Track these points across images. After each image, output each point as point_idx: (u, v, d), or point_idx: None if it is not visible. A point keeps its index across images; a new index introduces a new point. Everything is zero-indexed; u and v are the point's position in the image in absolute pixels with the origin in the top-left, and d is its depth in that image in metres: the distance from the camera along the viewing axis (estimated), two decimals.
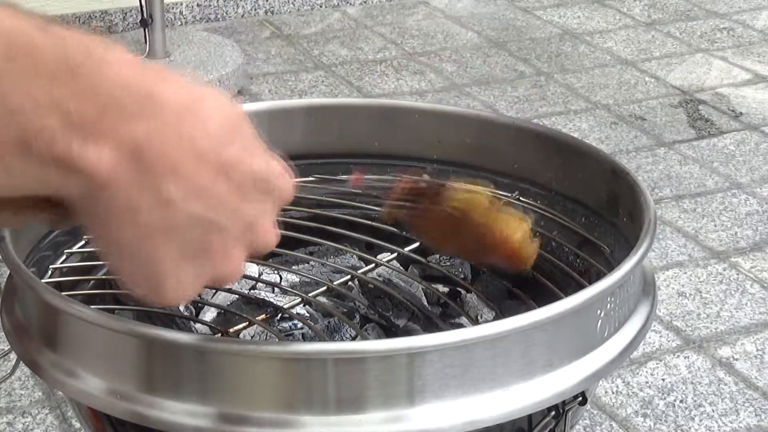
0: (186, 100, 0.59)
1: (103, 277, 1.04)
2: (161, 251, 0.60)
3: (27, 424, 1.71)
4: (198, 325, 0.99)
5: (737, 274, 2.13)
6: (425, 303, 1.01)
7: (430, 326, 0.99)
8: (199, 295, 1.04)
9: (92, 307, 0.88)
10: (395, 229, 1.07)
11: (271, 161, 0.63)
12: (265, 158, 0.63)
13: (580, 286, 0.93)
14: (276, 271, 1.05)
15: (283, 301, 0.97)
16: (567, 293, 0.92)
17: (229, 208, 0.61)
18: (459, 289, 1.06)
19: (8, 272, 0.90)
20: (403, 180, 0.91)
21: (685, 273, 2.14)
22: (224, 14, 3.33)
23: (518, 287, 0.99)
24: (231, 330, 0.91)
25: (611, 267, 0.92)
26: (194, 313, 1.03)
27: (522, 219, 0.91)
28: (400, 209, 0.94)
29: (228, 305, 1.01)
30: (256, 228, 0.63)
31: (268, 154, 0.63)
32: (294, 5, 3.38)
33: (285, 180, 0.64)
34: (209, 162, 0.59)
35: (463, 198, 0.89)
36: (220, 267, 0.62)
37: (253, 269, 1.06)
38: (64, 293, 0.88)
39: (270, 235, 0.65)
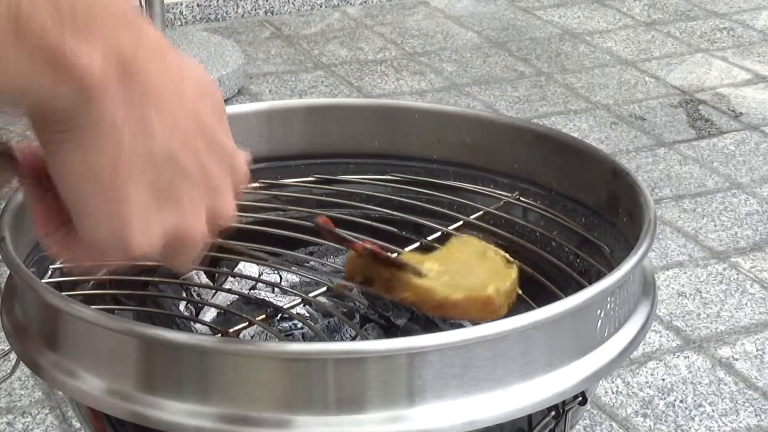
0: (167, 45, 0.58)
1: (103, 277, 1.04)
2: (132, 188, 0.57)
3: (27, 424, 1.71)
4: (198, 325, 0.99)
5: (737, 274, 2.13)
6: None
7: (430, 326, 0.99)
8: (199, 296, 1.04)
9: (92, 307, 0.88)
10: (395, 230, 1.07)
11: (229, 135, 0.63)
12: (230, 137, 0.63)
13: (580, 286, 0.93)
14: (276, 271, 1.05)
15: (283, 301, 0.97)
16: (567, 293, 0.92)
17: (201, 162, 0.60)
18: None
19: (8, 272, 0.91)
20: (353, 255, 0.91)
21: (685, 273, 2.14)
22: (224, 14, 3.33)
23: (518, 287, 0.99)
24: (231, 330, 0.91)
25: (611, 267, 0.92)
26: (194, 313, 1.03)
27: (496, 279, 0.90)
28: (350, 289, 0.95)
29: (228, 305, 1.01)
30: (219, 193, 0.62)
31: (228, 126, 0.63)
32: (294, 5, 3.38)
33: (243, 164, 0.64)
34: (188, 108, 0.59)
35: (415, 289, 0.89)
36: (185, 220, 0.60)
37: (253, 269, 1.06)
38: (64, 293, 0.88)
39: (230, 207, 0.63)
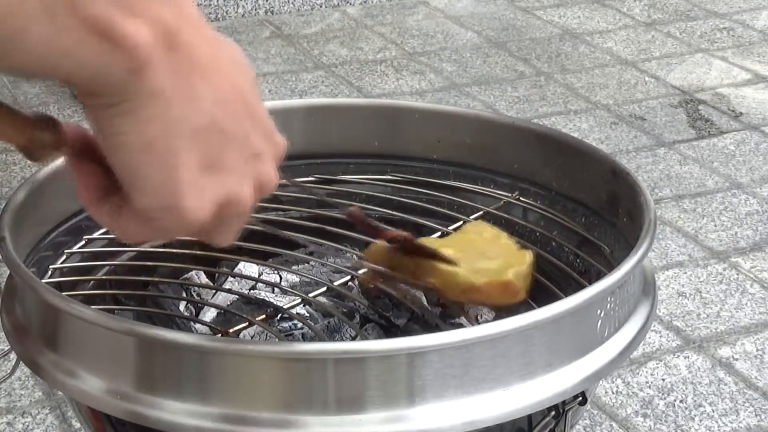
0: (203, 19, 0.60)
1: (103, 277, 1.04)
2: (184, 156, 0.58)
3: (27, 424, 1.71)
4: (198, 325, 0.99)
5: (737, 274, 2.13)
6: (425, 303, 1.01)
7: (429, 326, 0.99)
8: (199, 296, 1.04)
9: (92, 307, 0.88)
10: (395, 230, 1.07)
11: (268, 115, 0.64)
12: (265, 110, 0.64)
13: (580, 286, 0.93)
14: (276, 271, 1.05)
15: (283, 301, 0.97)
16: (567, 293, 0.92)
17: (245, 130, 0.61)
18: None
19: (8, 272, 0.91)
20: (377, 246, 0.92)
21: (685, 273, 2.14)
22: (224, 14, 3.33)
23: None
24: (231, 330, 0.91)
25: (611, 267, 0.92)
26: (194, 313, 1.03)
27: (515, 262, 0.93)
28: (376, 279, 0.95)
29: (228, 305, 1.01)
30: (263, 162, 0.63)
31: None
32: (294, 5, 3.38)
33: (280, 136, 0.65)
34: (230, 79, 0.60)
35: (440, 275, 0.90)
36: (235, 186, 0.61)
37: (253, 269, 1.06)
38: (64, 293, 0.88)
39: (274, 176, 0.64)
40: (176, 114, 0.57)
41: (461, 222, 1.07)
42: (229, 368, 0.76)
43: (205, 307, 1.02)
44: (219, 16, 3.32)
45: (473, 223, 1.03)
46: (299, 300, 0.96)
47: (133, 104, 0.56)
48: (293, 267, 1.05)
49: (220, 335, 0.91)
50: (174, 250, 1.05)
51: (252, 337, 0.95)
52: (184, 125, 0.58)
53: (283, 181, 0.71)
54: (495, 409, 0.78)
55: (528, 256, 0.93)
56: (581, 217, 1.07)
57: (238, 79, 0.61)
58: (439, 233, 1.04)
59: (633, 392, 1.81)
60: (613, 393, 1.81)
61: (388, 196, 1.13)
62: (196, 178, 0.59)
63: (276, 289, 1.02)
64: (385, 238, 0.92)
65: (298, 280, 1.04)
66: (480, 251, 0.94)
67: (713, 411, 1.77)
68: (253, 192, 0.63)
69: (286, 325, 0.97)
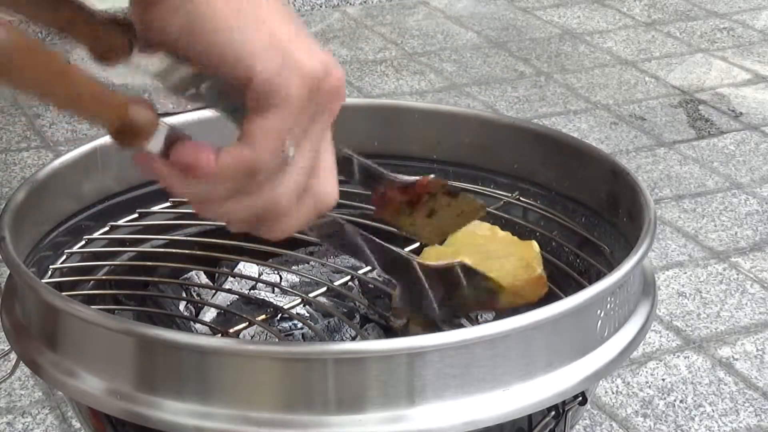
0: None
1: (103, 277, 1.04)
2: (275, 17, 0.61)
3: (27, 424, 1.71)
4: (198, 325, 0.99)
5: (737, 274, 2.13)
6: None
7: (429, 327, 0.99)
8: (199, 296, 1.04)
9: (92, 307, 0.88)
10: (395, 230, 1.06)
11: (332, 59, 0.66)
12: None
13: (580, 286, 0.93)
14: (276, 271, 1.05)
15: (283, 302, 0.97)
16: (567, 293, 0.92)
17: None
18: None
19: (8, 272, 0.91)
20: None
21: (685, 273, 2.14)
22: None
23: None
24: (231, 330, 0.91)
25: (611, 267, 0.92)
26: (194, 313, 1.03)
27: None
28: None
29: (228, 305, 1.01)
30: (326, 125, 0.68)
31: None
32: (294, 5, 3.38)
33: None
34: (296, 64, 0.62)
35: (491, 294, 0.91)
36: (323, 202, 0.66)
37: (253, 269, 1.06)
38: (64, 293, 0.88)
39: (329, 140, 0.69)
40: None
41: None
42: (229, 368, 0.76)
43: (205, 307, 1.02)
44: None
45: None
46: (299, 300, 0.96)
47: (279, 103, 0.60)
48: (293, 267, 1.05)
49: (220, 335, 0.91)
50: (174, 250, 1.05)
51: (252, 337, 0.95)
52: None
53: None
54: (495, 409, 0.78)
55: (535, 245, 0.96)
56: (581, 217, 1.07)
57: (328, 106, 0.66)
58: None
59: (633, 392, 1.81)
60: (613, 393, 1.81)
61: None
62: (294, 36, 0.62)
63: (276, 289, 1.02)
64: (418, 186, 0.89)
65: (298, 280, 1.04)
66: (486, 250, 0.95)
67: (713, 411, 1.77)
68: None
69: (286, 325, 0.97)
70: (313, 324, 0.96)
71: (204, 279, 1.07)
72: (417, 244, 1.03)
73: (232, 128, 0.66)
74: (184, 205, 1.11)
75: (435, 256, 0.96)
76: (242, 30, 0.60)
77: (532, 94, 2.87)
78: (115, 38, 0.62)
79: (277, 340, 0.94)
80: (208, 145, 0.63)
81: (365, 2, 3.45)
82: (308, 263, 1.06)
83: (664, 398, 1.80)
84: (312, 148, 0.65)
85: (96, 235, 1.06)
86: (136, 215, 1.09)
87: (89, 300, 0.99)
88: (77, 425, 1.70)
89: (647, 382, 1.84)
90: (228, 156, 0.62)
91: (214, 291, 1.04)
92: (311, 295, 0.96)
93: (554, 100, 2.83)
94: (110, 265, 1.04)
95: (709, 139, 2.66)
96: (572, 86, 2.91)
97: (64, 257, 1.02)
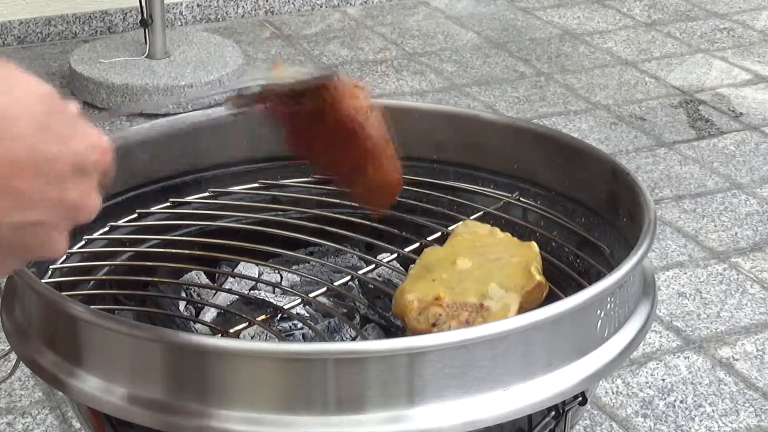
0: None
1: (103, 277, 1.04)
2: None
3: (27, 424, 1.71)
4: (198, 325, 0.99)
5: (737, 275, 2.13)
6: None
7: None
8: (199, 296, 1.04)
9: (92, 307, 0.88)
10: (395, 230, 1.07)
11: (86, 136, 0.62)
12: (81, 136, 0.61)
13: (580, 287, 0.93)
14: (276, 271, 1.05)
15: (283, 302, 0.97)
16: (567, 293, 0.92)
17: (51, 203, 0.60)
18: None
19: None
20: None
21: (685, 273, 2.14)
22: (224, 14, 3.33)
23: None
24: (231, 330, 0.91)
25: (611, 267, 0.92)
26: (194, 313, 1.03)
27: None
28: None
29: (228, 305, 1.01)
30: (78, 209, 0.63)
31: (81, 125, 0.62)
32: (294, 5, 3.38)
33: (103, 151, 0.63)
34: (26, 167, 0.58)
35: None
36: (40, 254, 0.62)
37: (253, 269, 1.06)
38: (64, 293, 0.88)
39: (92, 209, 0.64)
40: None
41: (461, 222, 1.07)
42: (229, 368, 0.76)
43: (205, 307, 1.02)
44: (219, 16, 3.32)
45: (463, 224, 1.03)
46: (299, 300, 0.96)
47: None
48: (293, 267, 1.05)
49: (220, 335, 0.91)
50: (174, 250, 1.05)
51: (252, 337, 0.95)
52: None
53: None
54: (495, 409, 0.78)
55: (534, 246, 0.96)
56: (581, 217, 1.07)
57: (38, 151, 0.59)
58: (439, 233, 1.04)
59: (633, 392, 1.81)
60: (613, 393, 1.81)
61: None
62: None
63: (276, 290, 1.02)
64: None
65: (298, 280, 1.04)
66: (485, 252, 0.95)
67: (713, 411, 1.77)
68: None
69: (286, 325, 0.97)
70: (313, 324, 0.96)
71: (204, 279, 1.07)
72: (417, 245, 1.03)
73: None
74: (183, 205, 1.11)
75: (435, 257, 0.96)
76: None
77: (532, 94, 2.87)
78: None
79: (277, 340, 0.94)
80: None
81: (365, 2, 3.45)
82: (308, 263, 1.06)
83: (664, 398, 1.80)
84: None
85: (96, 235, 1.06)
86: (135, 215, 1.09)
87: (89, 300, 0.99)
88: (77, 425, 1.70)
89: (647, 383, 1.84)
90: None
91: (214, 291, 1.04)
92: (311, 295, 0.96)
93: (554, 101, 2.83)
94: (110, 265, 1.04)
95: (709, 139, 2.66)
96: (572, 86, 2.91)
97: (64, 257, 1.02)
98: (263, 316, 0.94)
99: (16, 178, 0.58)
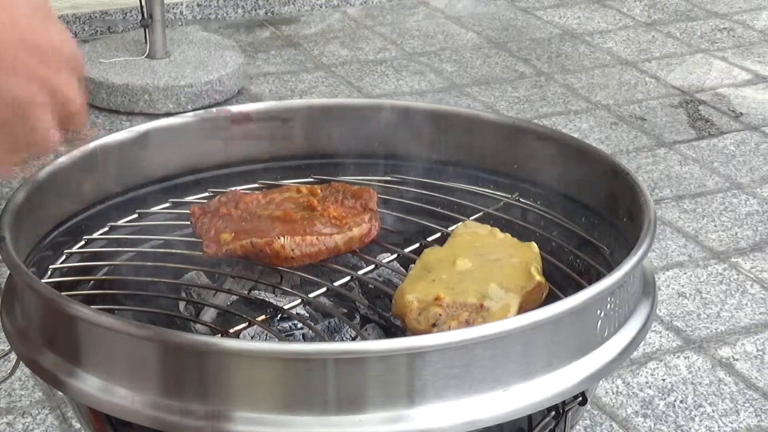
0: None
1: (103, 277, 1.04)
2: None
3: (27, 424, 1.71)
4: (198, 326, 0.99)
5: (737, 275, 2.13)
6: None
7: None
8: (199, 296, 1.04)
9: (92, 307, 0.88)
10: (395, 230, 1.07)
11: (63, 31, 0.70)
12: (59, 30, 0.70)
13: (580, 287, 0.93)
14: (276, 272, 1.05)
15: (283, 302, 0.97)
16: (567, 293, 0.92)
17: (41, 82, 0.68)
18: None
19: (8, 272, 0.91)
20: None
21: (685, 273, 2.14)
22: (224, 14, 3.33)
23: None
24: (231, 330, 0.91)
25: (611, 267, 0.92)
26: (194, 313, 1.03)
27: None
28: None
29: (228, 306, 1.01)
30: (65, 94, 0.70)
31: (56, 21, 0.70)
32: (294, 5, 3.38)
33: (75, 46, 0.71)
34: (23, 43, 0.66)
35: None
36: (31, 139, 0.69)
37: (253, 270, 1.06)
38: (64, 293, 0.88)
39: (76, 97, 0.71)
40: None
41: (461, 222, 1.07)
42: (229, 368, 0.76)
43: (205, 307, 1.02)
44: (219, 16, 3.32)
45: (463, 224, 1.03)
46: (299, 300, 0.96)
47: None
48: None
49: (220, 335, 0.91)
50: (174, 251, 1.05)
51: (252, 337, 0.95)
52: None
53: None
54: (495, 409, 0.78)
55: (534, 246, 0.97)
56: (581, 217, 1.07)
57: (31, 31, 0.67)
58: (439, 234, 1.04)
59: (633, 392, 1.81)
60: (613, 393, 1.81)
61: (388, 197, 1.12)
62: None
63: (276, 290, 1.02)
64: None
65: (298, 280, 1.04)
66: (485, 253, 0.95)
67: (713, 411, 1.77)
68: (56, 123, 0.70)
69: (286, 325, 0.97)
70: (313, 324, 0.96)
71: (204, 279, 1.07)
72: (417, 245, 1.03)
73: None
74: (183, 205, 1.11)
75: (435, 257, 0.96)
76: None
77: (532, 94, 2.87)
78: None
79: (277, 340, 0.94)
80: None
81: (365, 2, 3.45)
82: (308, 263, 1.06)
83: (665, 398, 1.80)
84: None
85: (96, 235, 1.06)
86: (135, 215, 1.09)
87: (89, 300, 0.99)
88: (77, 425, 1.70)
89: (647, 383, 1.84)
90: None
91: (214, 291, 1.04)
92: (311, 295, 0.96)
93: (554, 101, 2.83)
94: (110, 265, 1.04)
95: (709, 139, 2.66)
96: (572, 86, 2.91)
97: (64, 257, 1.02)
98: (263, 316, 0.94)
99: (15, 53, 0.67)
